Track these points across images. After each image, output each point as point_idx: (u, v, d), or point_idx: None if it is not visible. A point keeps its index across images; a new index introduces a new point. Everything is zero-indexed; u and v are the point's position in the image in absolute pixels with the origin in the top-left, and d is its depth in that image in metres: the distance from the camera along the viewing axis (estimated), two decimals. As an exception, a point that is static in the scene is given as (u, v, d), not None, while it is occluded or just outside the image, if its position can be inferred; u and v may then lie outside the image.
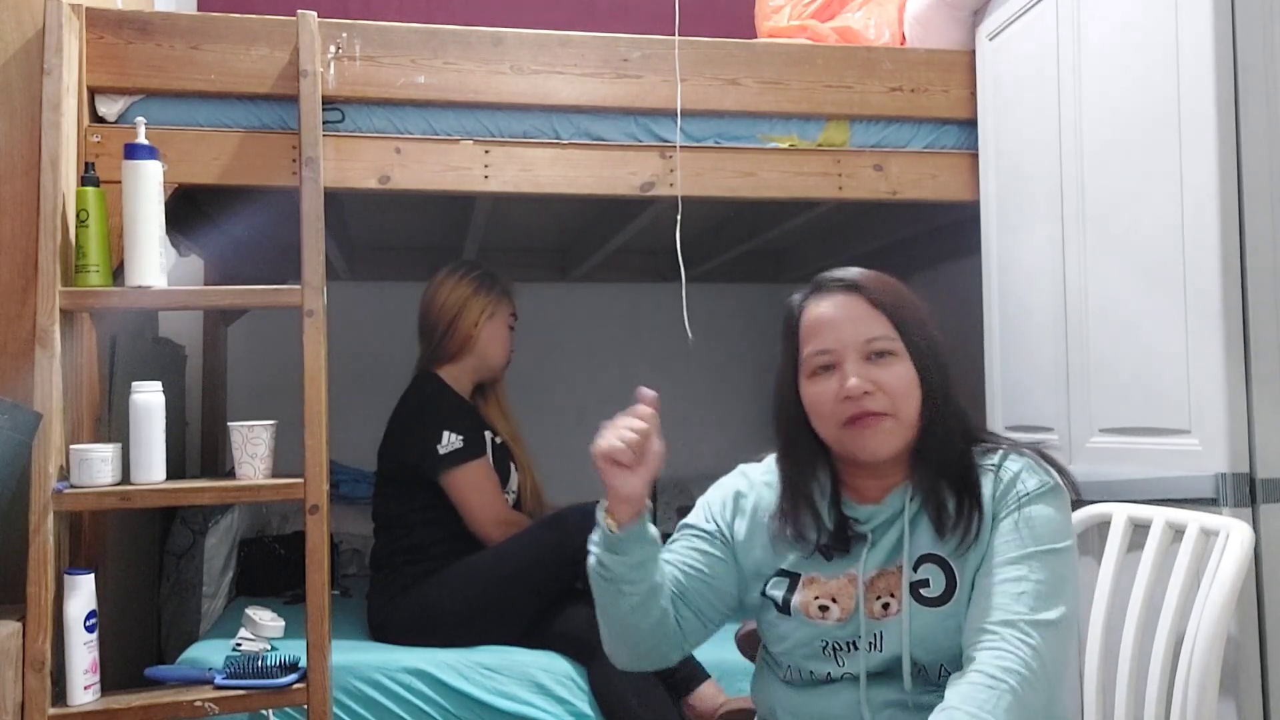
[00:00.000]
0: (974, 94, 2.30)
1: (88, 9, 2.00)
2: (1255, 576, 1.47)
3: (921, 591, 1.21)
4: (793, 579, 1.29)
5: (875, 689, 1.23)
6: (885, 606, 1.23)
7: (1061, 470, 1.26)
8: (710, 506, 1.41)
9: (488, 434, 2.44)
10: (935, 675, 1.20)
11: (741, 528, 1.36)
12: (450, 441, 2.31)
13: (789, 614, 1.28)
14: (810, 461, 1.31)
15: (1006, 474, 1.23)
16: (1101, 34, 1.84)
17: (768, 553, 1.32)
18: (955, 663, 1.18)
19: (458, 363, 2.46)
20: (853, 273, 1.30)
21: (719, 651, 2.24)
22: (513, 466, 2.49)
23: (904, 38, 2.47)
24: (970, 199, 2.32)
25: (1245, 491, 1.50)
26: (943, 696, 1.14)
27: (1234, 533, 1.35)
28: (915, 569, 1.22)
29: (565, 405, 3.67)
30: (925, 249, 3.10)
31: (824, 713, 1.26)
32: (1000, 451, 1.26)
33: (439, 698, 2.10)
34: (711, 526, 1.37)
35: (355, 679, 2.08)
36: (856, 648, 1.24)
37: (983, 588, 1.18)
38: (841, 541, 1.27)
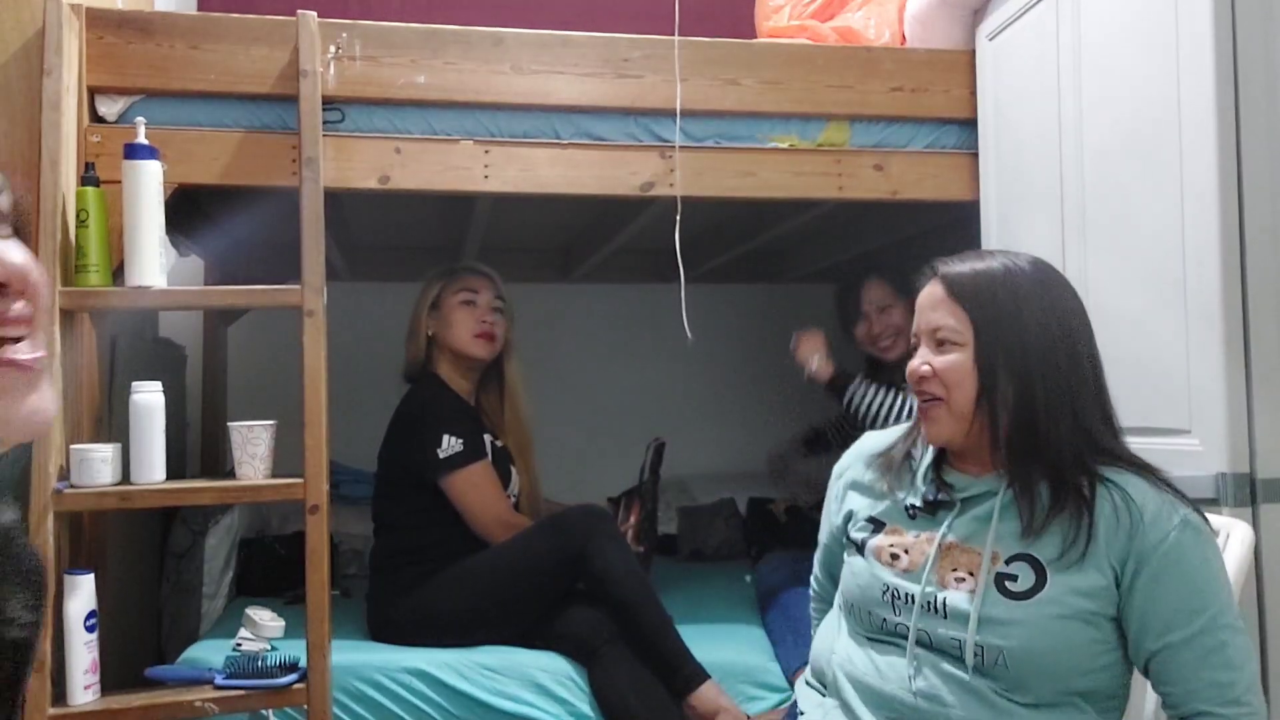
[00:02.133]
0: (974, 94, 2.30)
1: (88, 9, 2.00)
2: (1255, 576, 1.47)
3: (1007, 584, 1.24)
4: (878, 526, 1.37)
5: (931, 659, 1.26)
6: (960, 580, 1.27)
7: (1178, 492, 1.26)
8: (829, 508, 1.51)
9: (487, 437, 2.44)
10: (993, 661, 1.22)
11: (848, 503, 1.45)
12: (450, 445, 2.31)
13: (863, 555, 1.36)
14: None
15: (1141, 506, 1.21)
16: (1101, 34, 1.84)
17: (864, 501, 1.42)
18: (1021, 659, 1.20)
19: (439, 359, 2.47)
20: (946, 262, 1.35)
21: (720, 652, 2.25)
22: (513, 470, 2.49)
23: (904, 37, 2.47)
24: (970, 199, 2.31)
25: (1245, 491, 1.50)
26: (1000, 689, 1.20)
27: (1234, 533, 1.35)
28: (1008, 564, 1.25)
29: (565, 405, 3.68)
30: (925, 249, 3.10)
31: (876, 668, 1.31)
32: (1121, 471, 1.25)
33: (439, 698, 2.10)
34: (832, 525, 1.49)
35: (355, 679, 2.08)
36: (915, 601, 1.29)
37: (1184, 650, 1.17)
38: (930, 504, 1.33)
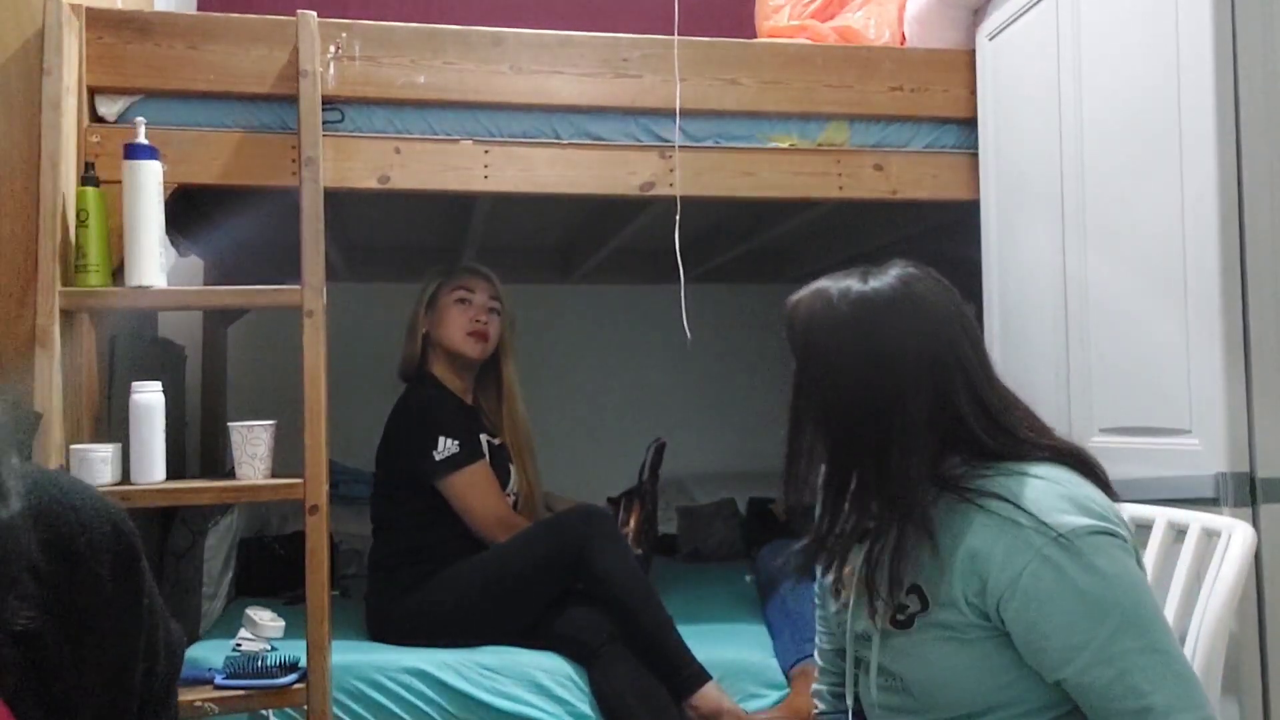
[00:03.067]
0: (974, 94, 2.30)
1: (88, 9, 2.00)
2: (1256, 576, 1.47)
3: (898, 616, 1.18)
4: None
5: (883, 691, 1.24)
6: (877, 613, 1.20)
7: (1094, 470, 1.18)
8: None
9: (484, 436, 2.44)
10: (900, 687, 1.19)
11: None
12: (446, 447, 2.30)
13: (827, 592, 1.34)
14: None
15: (994, 541, 1.10)
16: (1101, 34, 1.84)
17: None
18: (916, 684, 1.17)
19: (434, 358, 2.47)
20: (795, 295, 1.25)
21: (721, 652, 2.25)
22: (511, 468, 2.49)
23: (904, 37, 2.47)
24: (970, 198, 2.31)
25: (1245, 491, 1.50)
26: (919, 709, 1.17)
27: (1236, 534, 1.35)
28: (906, 595, 1.17)
29: (565, 405, 3.68)
30: (925, 249, 3.10)
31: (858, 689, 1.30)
32: (998, 486, 1.13)
33: (439, 698, 2.10)
34: None
35: (355, 679, 2.08)
36: (859, 638, 1.26)
37: (1083, 692, 1.08)
38: (851, 533, 1.24)
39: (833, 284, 1.22)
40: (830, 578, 1.32)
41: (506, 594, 2.23)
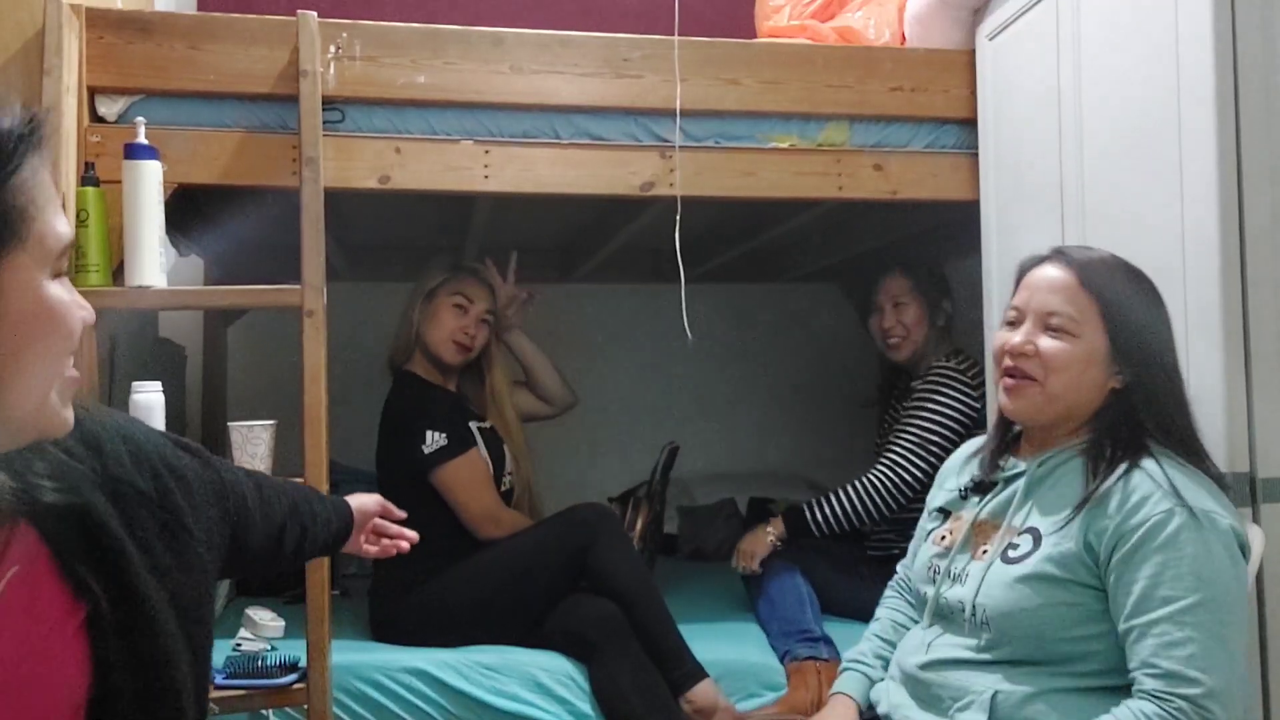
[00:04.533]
0: (974, 94, 2.30)
1: (88, 9, 2.00)
2: (1256, 576, 1.47)
3: (1009, 552, 1.31)
4: (945, 515, 1.49)
5: (944, 628, 1.38)
6: (984, 553, 1.35)
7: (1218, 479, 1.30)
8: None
9: (473, 424, 2.44)
10: (982, 621, 1.30)
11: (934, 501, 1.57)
12: (434, 440, 2.30)
13: (926, 541, 1.49)
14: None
15: (1135, 487, 1.24)
16: (1101, 34, 1.84)
17: (941, 496, 1.54)
18: (995, 616, 1.28)
19: (417, 355, 2.47)
20: (1078, 251, 1.40)
21: (721, 652, 2.25)
22: (506, 450, 2.48)
23: (904, 37, 2.47)
24: (970, 199, 2.31)
25: (1246, 491, 1.49)
26: (990, 650, 1.29)
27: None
28: (1019, 535, 1.32)
29: (565, 405, 3.67)
30: (926, 248, 3.10)
31: (906, 645, 1.44)
32: (1166, 459, 1.28)
33: (439, 697, 2.10)
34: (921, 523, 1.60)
35: (355, 679, 2.08)
36: (941, 572, 1.40)
37: (1145, 634, 1.19)
38: (979, 486, 1.43)
39: (1091, 250, 1.40)
40: (936, 525, 1.48)
41: (512, 591, 2.23)
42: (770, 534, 2.43)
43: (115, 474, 0.92)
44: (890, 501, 2.38)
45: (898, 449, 2.41)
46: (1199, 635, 1.15)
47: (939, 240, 2.93)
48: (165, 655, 0.88)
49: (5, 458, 0.82)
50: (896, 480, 2.37)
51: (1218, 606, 1.17)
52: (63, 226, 0.83)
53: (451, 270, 2.51)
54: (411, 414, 2.37)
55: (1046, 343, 1.35)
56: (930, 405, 2.42)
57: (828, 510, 2.39)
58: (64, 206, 1.88)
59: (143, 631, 0.87)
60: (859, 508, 2.37)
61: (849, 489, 2.39)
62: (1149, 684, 1.17)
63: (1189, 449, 1.32)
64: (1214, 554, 1.19)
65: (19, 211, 0.78)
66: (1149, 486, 1.24)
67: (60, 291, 0.83)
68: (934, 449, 2.36)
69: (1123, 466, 1.27)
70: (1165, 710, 1.14)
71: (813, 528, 2.40)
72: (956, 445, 2.16)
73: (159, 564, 0.91)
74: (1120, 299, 1.34)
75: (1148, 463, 1.27)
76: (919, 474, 2.36)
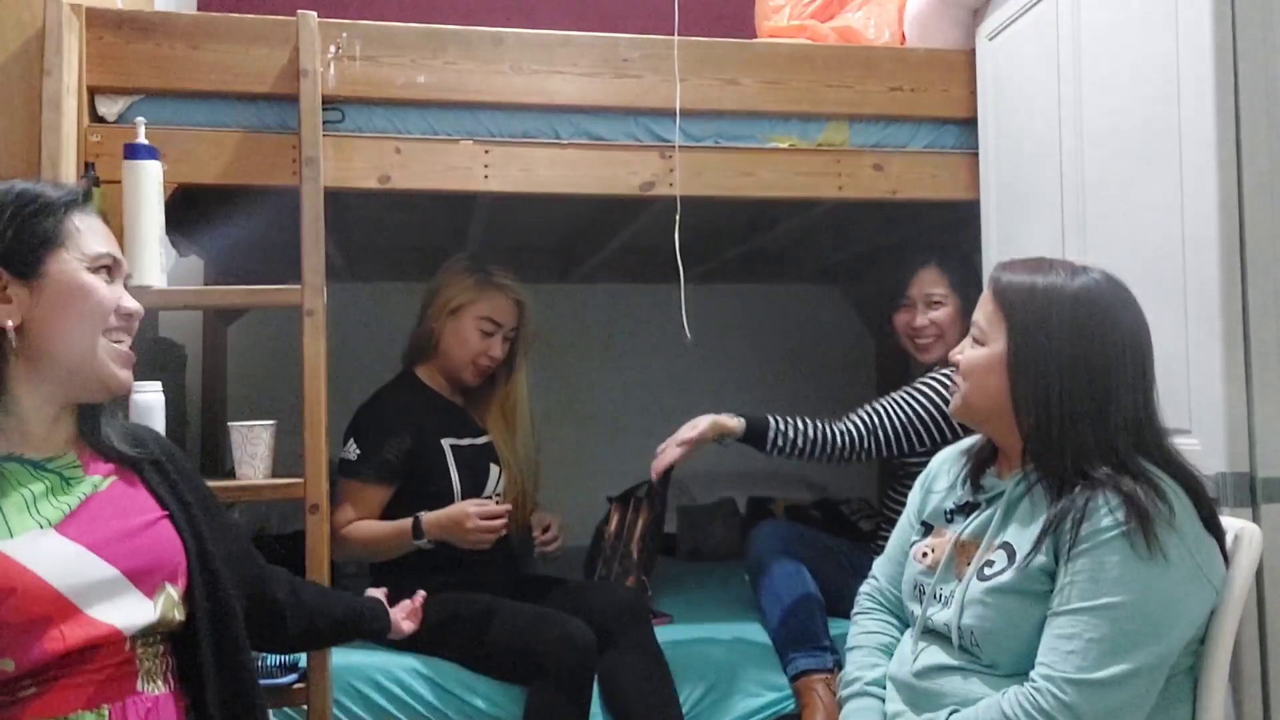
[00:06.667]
0: (974, 94, 2.30)
1: (88, 9, 2.00)
2: (1256, 576, 1.47)
3: (984, 570, 1.35)
4: (926, 529, 1.53)
5: (934, 645, 1.41)
6: (964, 573, 1.39)
7: (1204, 501, 1.31)
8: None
9: (448, 441, 2.32)
10: (970, 640, 1.34)
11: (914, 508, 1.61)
12: (349, 450, 2.25)
13: (909, 556, 1.53)
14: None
15: (1093, 503, 1.27)
16: (1101, 34, 1.84)
17: (924, 507, 1.57)
18: (983, 634, 1.33)
19: (431, 360, 2.39)
20: (1008, 266, 1.47)
21: (720, 652, 2.25)
22: (493, 469, 2.40)
23: (904, 37, 2.47)
24: (970, 198, 2.31)
25: (1246, 491, 1.50)
26: (980, 665, 1.33)
27: (1244, 535, 1.35)
28: (993, 551, 1.37)
29: (565, 405, 3.68)
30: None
31: (900, 657, 1.48)
32: (1112, 476, 1.29)
33: (438, 699, 2.10)
34: (902, 530, 1.65)
35: (355, 679, 2.08)
36: (927, 593, 1.44)
37: (1049, 627, 1.27)
38: (962, 507, 1.47)
39: (1049, 271, 1.42)
40: (918, 541, 1.52)
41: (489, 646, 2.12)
42: (728, 422, 2.24)
43: (160, 453, 1.35)
44: (849, 451, 2.19)
45: (884, 410, 2.23)
46: (1092, 633, 1.21)
47: (937, 241, 2.93)
48: (213, 557, 1.32)
49: (94, 414, 1.27)
50: (865, 434, 2.19)
51: (1153, 621, 1.21)
52: (99, 246, 1.22)
53: (479, 287, 2.36)
54: (360, 414, 2.31)
55: (966, 353, 1.46)
56: (930, 386, 2.30)
57: (791, 431, 2.20)
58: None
59: (201, 536, 1.30)
60: (818, 444, 2.19)
61: (820, 423, 2.21)
62: (1033, 672, 1.25)
63: (1157, 460, 1.34)
64: (1145, 568, 1.22)
65: (66, 233, 1.20)
66: (1100, 502, 1.27)
67: (95, 279, 1.21)
68: (916, 425, 2.20)
69: (1080, 484, 1.31)
70: (1032, 696, 1.22)
71: (770, 435, 2.21)
72: (937, 431, 2.17)
73: (193, 515, 1.32)
74: (1024, 312, 1.38)
75: (1108, 479, 1.29)
76: (891, 436, 2.19)
